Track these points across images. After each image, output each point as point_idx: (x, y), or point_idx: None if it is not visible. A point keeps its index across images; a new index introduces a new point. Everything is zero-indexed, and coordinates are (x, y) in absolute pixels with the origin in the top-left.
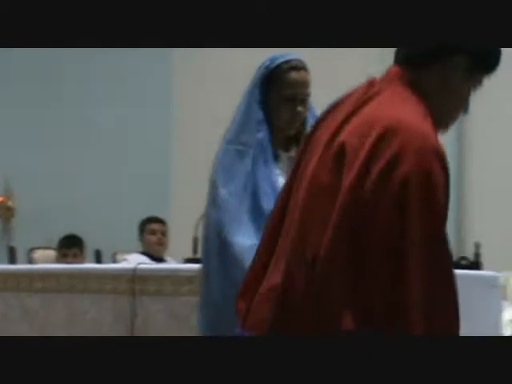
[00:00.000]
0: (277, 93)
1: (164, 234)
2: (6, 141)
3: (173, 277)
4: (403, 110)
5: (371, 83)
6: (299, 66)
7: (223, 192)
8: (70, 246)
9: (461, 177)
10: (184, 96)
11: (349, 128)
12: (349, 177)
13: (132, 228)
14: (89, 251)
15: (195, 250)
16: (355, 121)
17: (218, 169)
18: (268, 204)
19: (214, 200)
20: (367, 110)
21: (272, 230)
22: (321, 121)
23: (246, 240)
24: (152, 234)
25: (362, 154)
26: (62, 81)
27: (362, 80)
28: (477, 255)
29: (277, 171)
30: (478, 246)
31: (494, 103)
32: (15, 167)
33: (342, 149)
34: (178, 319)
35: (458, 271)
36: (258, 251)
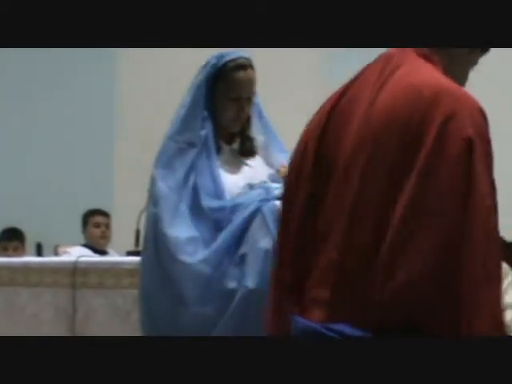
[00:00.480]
0: (223, 91)
1: (108, 226)
2: None
3: (114, 270)
4: (438, 76)
5: (390, 55)
6: (246, 65)
7: (162, 186)
8: (11, 238)
9: None
10: (128, 89)
11: (384, 100)
12: (403, 149)
13: (74, 220)
14: (30, 244)
15: (137, 243)
16: (389, 90)
17: (158, 163)
18: (207, 201)
19: (152, 194)
20: (399, 79)
21: (295, 213)
22: (338, 99)
23: (182, 233)
24: (96, 227)
25: (412, 122)
26: (5, 78)
27: (310, 78)
28: None
29: (218, 163)
30: None
31: None
32: None
33: (386, 120)
34: (119, 313)
35: None
36: (283, 233)
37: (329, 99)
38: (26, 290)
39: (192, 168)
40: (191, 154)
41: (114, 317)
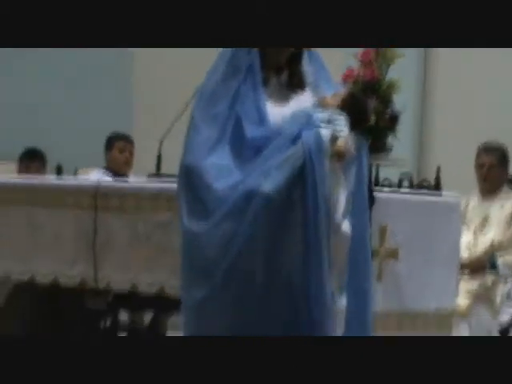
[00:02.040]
0: None
1: (132, 153)
2: None
3: (136, 194)
4: None
5: None
6: None
7: (202, 115)
8: (33, 159)
9: (424, 100)
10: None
11: None
12: None
13: (95, 143)
14: (50, 167)
15: (159, 168)
16: None
17: (201, 95)
18: (251, 132)
19: (192, 121)
20: None
21: None
22: None
23: (219, 161)
24: (120, 153)
25: None
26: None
27: None
28: (438, 179)
29: (264, 96)
30: (439, 169)
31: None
32: None
33: None
34: (139, 236)
35: (420, 197)
36: None
37: None
38: (46, 210)
39: (236, 97)
40: (235, 81)
41: (135, 241)
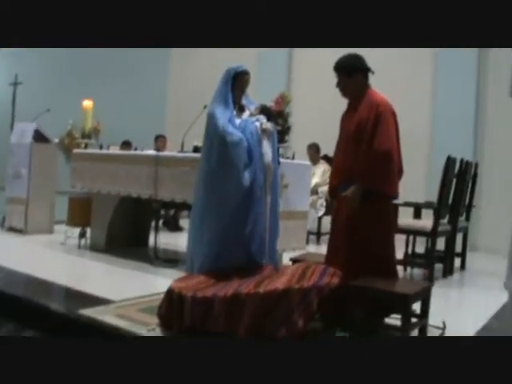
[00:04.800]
0: (238, 83)
1: (165, 142)
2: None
3: (171, 158)
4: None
5: None
6: (247, 73)
7: (219, 115)
8: (126, 144)
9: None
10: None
11: None
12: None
13: (151, 137)
14: (133, 148)
15: (182, 147)
16: None
17: (214, 111)
18: (232, 124)
19: (214, 114)
20: None
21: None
22: None
23: (225, 122)
24: (160, 142)
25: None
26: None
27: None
28: (293, 156)
29: (234, 113)
30: (294, 154)
31: None
32: (102, 106)
33: None
34: (174, 178)
35: (296, 162)
36: None
37: None
38: (134, 165)
39: (230, 114)
40: (228, 107)
41: (173, 179)
